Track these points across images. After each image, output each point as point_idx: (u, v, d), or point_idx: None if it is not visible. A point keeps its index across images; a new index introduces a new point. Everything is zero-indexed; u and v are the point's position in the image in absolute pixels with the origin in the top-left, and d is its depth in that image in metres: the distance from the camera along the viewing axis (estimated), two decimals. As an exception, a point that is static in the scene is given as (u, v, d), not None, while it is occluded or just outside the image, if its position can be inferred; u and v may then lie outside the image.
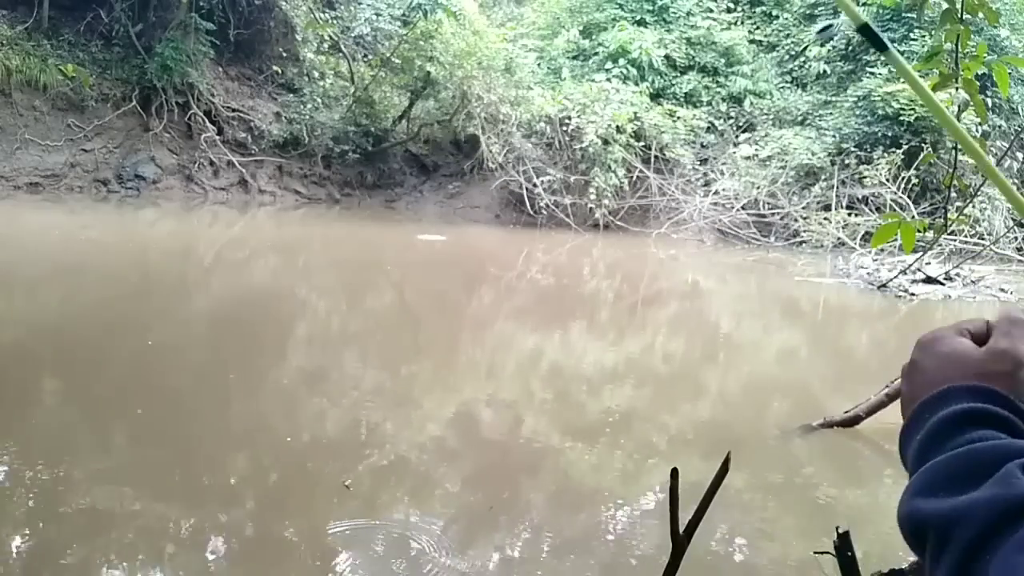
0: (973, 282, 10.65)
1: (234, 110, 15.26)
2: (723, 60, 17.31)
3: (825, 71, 16.68)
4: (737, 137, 16.32)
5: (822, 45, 16.52)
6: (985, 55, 2.78)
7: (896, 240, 2.57)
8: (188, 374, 5.36)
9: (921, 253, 10.41)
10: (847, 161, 14.77)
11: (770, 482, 4.28)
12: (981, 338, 0.68)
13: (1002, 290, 10.51)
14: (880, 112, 14.57)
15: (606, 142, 14.63)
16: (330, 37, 15.89)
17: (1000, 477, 0.54)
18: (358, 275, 9.80)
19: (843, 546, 2.04)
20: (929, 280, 10.54)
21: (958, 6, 2.44)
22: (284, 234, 12.88)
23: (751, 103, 16.77)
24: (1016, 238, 14.12)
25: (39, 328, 6.11)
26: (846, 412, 4.82)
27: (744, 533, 3.68)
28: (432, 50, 14.94)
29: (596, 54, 17.11)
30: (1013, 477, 0.54)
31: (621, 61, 16.44)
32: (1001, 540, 0.51)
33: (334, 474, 3.88)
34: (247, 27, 15.42)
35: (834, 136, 15.23)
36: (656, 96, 16.35)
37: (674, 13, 17.61)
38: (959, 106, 3.48)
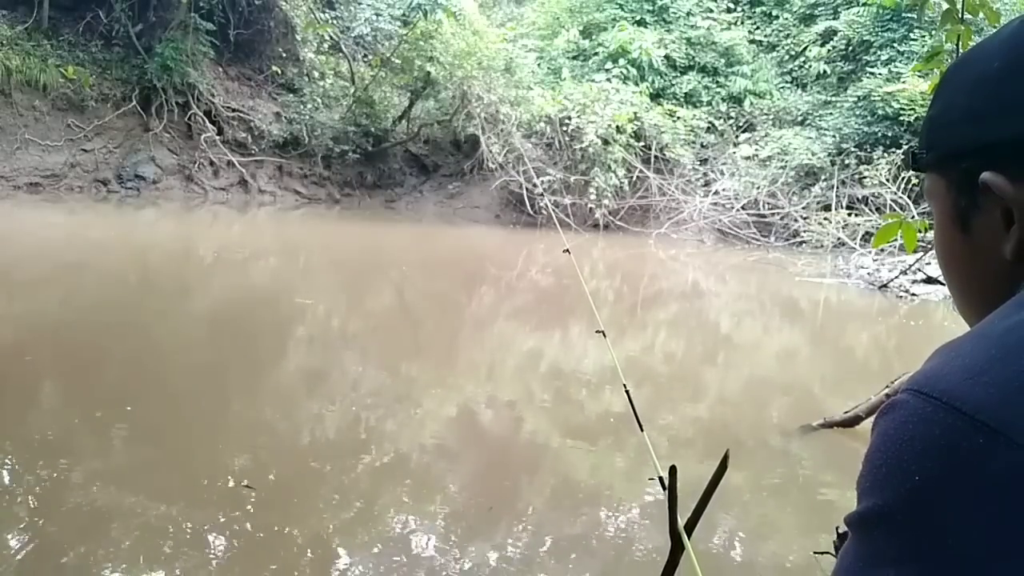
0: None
1: (234, 110, 15.26)
2: (723, 60, 17.31)
3: (825, 71, 16.67)
4: (737, 137, 16.31)
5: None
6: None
7: (896, 240, 2.57)
8: (188, 374, 5.36)
9: (922, 253, 10.41)
10: (847, 161, 14.76)
11: (770, 482, 4.28)
12: None
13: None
14: (880, 112, 14.57)
15: (606, 142, 14.63)
16: (330, 37, 15.90)
17: None
18: (358, 275, 9.80)
19: (843, 546, 2.03)
20: (930, 280, 10.53)
21: (958, 6, 2.44)
22: (284, 234, 12.88)
23: (751, 103, 16.76)
24: (1016, 238, 14.10)
25: (39, 328, 6.10)
26: (846, 412, 4.82)
27: (744, 533, 3.68)
28: (432, 50, 14.95)
29: (596, 54, 17.11)
30: None
31: (621, 61, 16.44)
32: None
33: (334, 473, 3.89)
34: (247, 27, 15.43)
35: (834, 136, 15.22)
36: (656, 96, 16.35)
37: (674, 13, 17.61)
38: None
